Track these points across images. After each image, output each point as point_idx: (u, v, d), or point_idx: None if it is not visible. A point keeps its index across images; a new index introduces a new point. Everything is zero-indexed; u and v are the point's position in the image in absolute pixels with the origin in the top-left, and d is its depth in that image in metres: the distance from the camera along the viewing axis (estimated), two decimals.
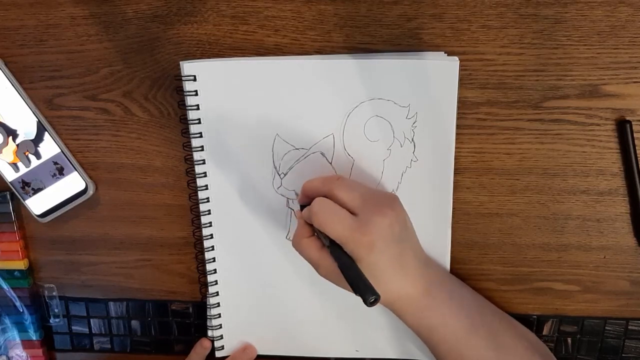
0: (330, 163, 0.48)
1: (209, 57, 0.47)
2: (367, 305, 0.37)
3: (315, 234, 0.43)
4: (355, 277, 0.39)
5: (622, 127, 0.45)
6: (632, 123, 0.45)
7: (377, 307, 0.51)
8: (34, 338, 0.56)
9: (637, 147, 0.46)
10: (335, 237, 0.41)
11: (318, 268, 0.43)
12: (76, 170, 0.51)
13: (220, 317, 0.53)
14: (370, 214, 0.41)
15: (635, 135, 0.46)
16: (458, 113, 0.46)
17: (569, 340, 0.52)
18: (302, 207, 0.45)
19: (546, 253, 0.50)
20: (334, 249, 0.41)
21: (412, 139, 0.47)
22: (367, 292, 0.37)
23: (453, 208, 0.48)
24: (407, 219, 0.44)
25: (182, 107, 0.48)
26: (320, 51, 0.46)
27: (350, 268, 0.40)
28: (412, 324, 0.45)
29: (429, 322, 0.44)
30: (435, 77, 0.45)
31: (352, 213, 0.41)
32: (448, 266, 0.50)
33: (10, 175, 0.51)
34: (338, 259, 0.41)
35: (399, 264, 0.42)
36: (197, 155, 0.48)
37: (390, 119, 0.46)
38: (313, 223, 0.42)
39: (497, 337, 0.44)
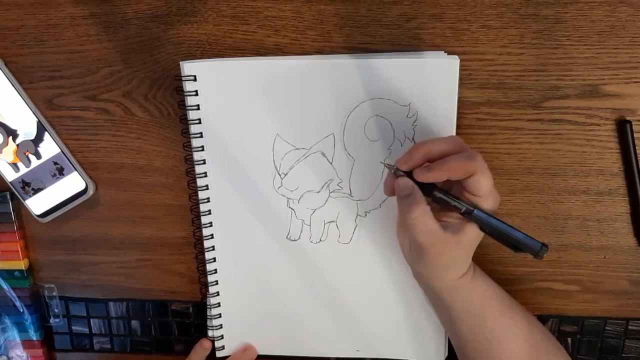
0: (331, 163, 0.48)
1: (209, 57, 0.47)
2: (539, 257, 0.39)
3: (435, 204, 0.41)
4: (516, 233, 0.40)
5: (622, 127, 0.45)
6: (632, 123, 0.45)
7: (378, 307, 0.51)
8: (34, 338, 0.56)
9: (637, 147, 0.46)
10: (489, 188, 0.39)
11: (432, 238, 0.40)
12: (76, 170, 0.51)
13: (220, 317, 0.53)
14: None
15: (635, 135, 0.46)
16: (458, 113, 0.46)
17: (569, 340, 0.52)
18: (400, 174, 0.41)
19: (546, 253, 0.50)
20: (479, 218, 0.40)
21: (413, 138, 0.47)
22: (536, 244, 0.39)
23: None
24: None
25: (182, 107, 0.48)
26: (320, 51, 0.46)
27: (505, 226, 0.40)
28: (453, 295, 0.43)
29: (474, 295, 0.44)
30: (436, 75, 0.45)
31: (475, 195, 0.40)
32: None
33: (11, 175, 0.51)
34: (490, 220, 0.40)
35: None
36: (197, 156, 0.48)
37: (391, 119, 0.46)
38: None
39: (529, 319, 0.45)
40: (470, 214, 0.40)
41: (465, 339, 0.45)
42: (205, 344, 0.54)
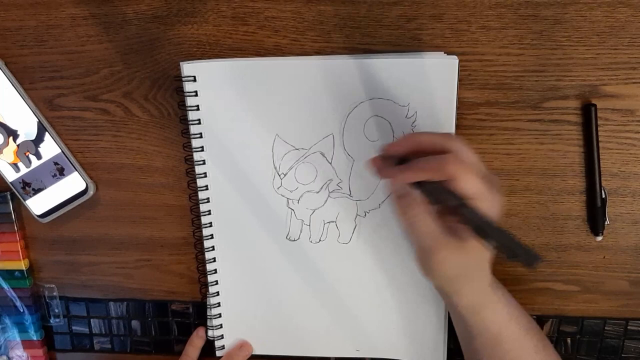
0: (330, 163, 0.48)
1: (209, 57, 0.47)
2: (531, 268, 0.36)
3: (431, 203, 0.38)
4: (508, 239, 0.35)
5: (587, 110, 0.45)
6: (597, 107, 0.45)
7: (378, 307, 0.51)
8: (35, 338, 0.56)
9: (636, 147, 0.46)
10: (475, 192, 0.36)
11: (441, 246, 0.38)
12: (76, 170, 0.51)
13: (220, 317, 0.53)
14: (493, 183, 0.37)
15: (635, 135, 0.46)
16: (458, 113, 0.46)
17: (569, 340, 0.52)
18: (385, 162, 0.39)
19: (546, 253, 0.50)
20: (483, 225, 0.36)
21: None
22: (530, 255, 0.34)
23: None
24: None
25: (182, 107, 0.48)
26: (320, 52, 0.47)
27: (499, 230, 0.35)
28: (472, 315, 0.42)
29: (494, 317, 0.42)
30: (435, 75, 0.45)
31: (466, 197, 0.36)
32: None
33: (11, 176, 0.51)
34: (480, 220, 0.36)
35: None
36: (197, 156, 0.48)
37: (390, 119, 0.46)
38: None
39: (544, 343, 0.44)
40: (460, 209, 0.36)
41: (480, 356, 0.44)
42: (201, 333, 0.54)
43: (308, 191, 0.48)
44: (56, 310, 0.56)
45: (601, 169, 0.47)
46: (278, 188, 0.49)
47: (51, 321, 0.57)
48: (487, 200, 0.36)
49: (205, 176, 0.49)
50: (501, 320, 0.43)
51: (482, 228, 0.36)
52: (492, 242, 0.35)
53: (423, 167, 0.37)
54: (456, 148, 0.37)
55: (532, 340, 0.43)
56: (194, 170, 0.49)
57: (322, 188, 0.48)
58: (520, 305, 0.45)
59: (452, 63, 0.44)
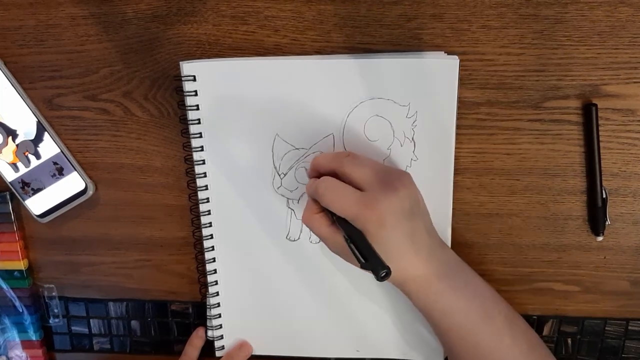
0: None
1: (208, 57, 0.47)
2: (378, 280, 0.36)
3: (324, 210, 0.43)
4: (364, 250, 0.38)
5: (588, 110, 0.45)
6: (597, 107, 0.45)
7: (378, 307, 0.51)
8: (34, 338, 0.56)
9: (632, 147, 0.46)
10: (344, 215, 0.40)
11: (328, 243, 0.43)
12: (76, 170, 0.51)
13: (220, 317, 0.53)
14: (380, 189, 0.40)
15: (636, 135, 0.46)
16: (458, 113, 0.46)
17: (569, 340, 0.52)
18: None
19: (546, 253, 0.50)
20: (342, 223, 0.40)
21: (412, 138, 0.47)
22: (377, 266, 0.36)
23: (453, 208, 0.48)
24: (419, 197, 0.43)
25: (182, 107, 0.47)
26: (320, 51, 0.46)
27: (358, 242, 0.38)
28: (424, 307, 0.44)
29: (443, 306, 0.43)
30: (435, 75, 0.45)
31: (361, 189, 0.41)
32: None
33: (10, 176, 0.51)
34: (346, 233, 0.39)
35: (410, 241, 0.41)
36: (197, 156, 0.48)
37: (390, 118, 0.46)
38: (320, 203, 0.41)
39: (512, 325, 0.44)
40: (335, 221, 0.42)
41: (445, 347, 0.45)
42: (201, 333, 0.54)
43: None
44: (55, 311, 0.56)
45: (602, 168, 0.47)
46: (278, 188, 0.49)
47: (50, 321, 0.56)
48: (359, 218, 0.39)
49: (205, 176, 0.49)
50: (442, 309, 0.43)
51: (349, 236, 0.39)
52: (355, 254, 0.38)
53: (307, 188, 0.44)
54: (337, 168, 0.42)
55: (493, 326, 0.43)
56: (194, 170, 0.49)
57: None
58: (484, 293, 0.44)
59: (452, 63, 0.44)
